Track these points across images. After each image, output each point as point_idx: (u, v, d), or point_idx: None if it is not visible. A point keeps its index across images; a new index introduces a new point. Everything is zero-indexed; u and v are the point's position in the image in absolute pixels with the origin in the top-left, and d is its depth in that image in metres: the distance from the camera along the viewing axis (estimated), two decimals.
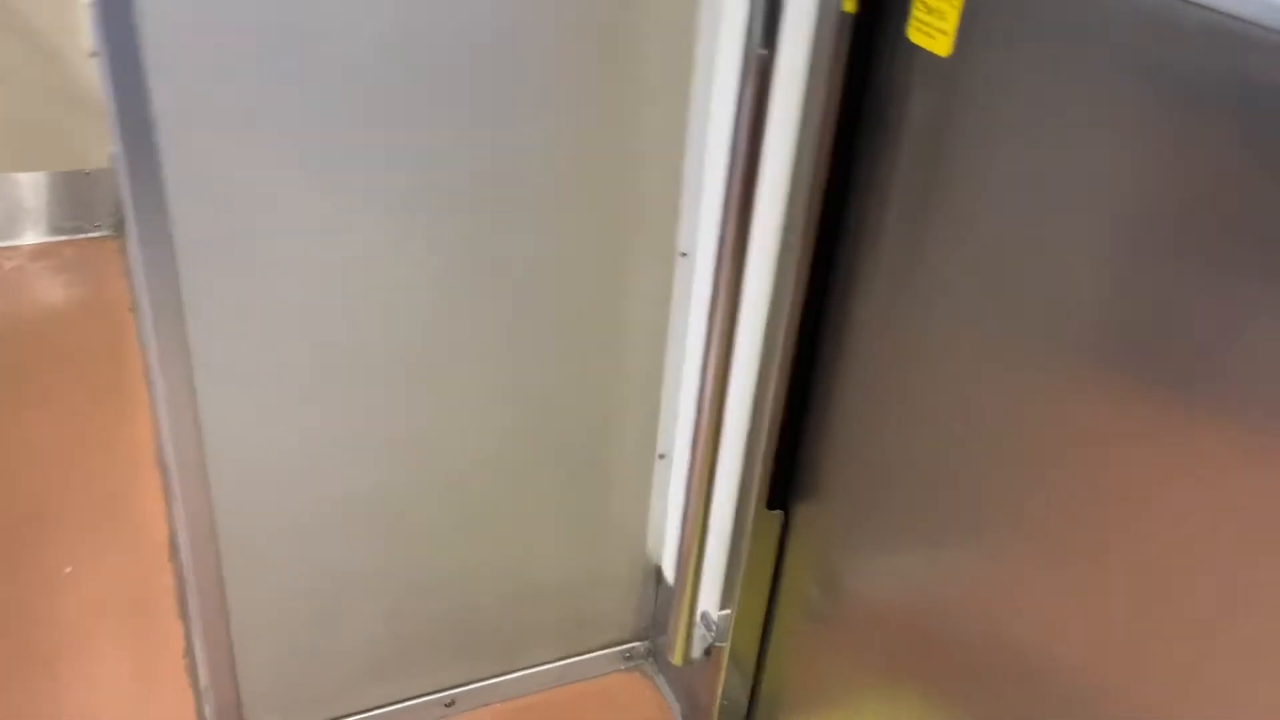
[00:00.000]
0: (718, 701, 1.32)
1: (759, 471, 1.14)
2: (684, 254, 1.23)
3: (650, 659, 1.52)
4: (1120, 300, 0.74)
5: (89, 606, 1.56)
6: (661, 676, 1.51)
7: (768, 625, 1.26)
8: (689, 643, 1.30)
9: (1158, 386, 0.72)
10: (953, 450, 0.92)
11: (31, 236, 2.38)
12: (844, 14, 0.89)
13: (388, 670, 1.36)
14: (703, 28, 1.09)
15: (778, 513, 1.17)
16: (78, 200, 2.38)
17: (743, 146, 0.98)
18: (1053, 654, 0.84)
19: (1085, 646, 0.81)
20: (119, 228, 2.40)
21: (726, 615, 1.27)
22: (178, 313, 1.03)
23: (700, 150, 1.15)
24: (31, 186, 2.35)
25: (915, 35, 0.86)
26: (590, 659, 1.49)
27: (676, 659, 1.31)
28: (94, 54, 0.90)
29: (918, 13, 0.85)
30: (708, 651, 1.31)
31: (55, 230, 2.39)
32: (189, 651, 1.48)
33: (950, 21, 0.82)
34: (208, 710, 1.30)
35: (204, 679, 1.29)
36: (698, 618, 1.29)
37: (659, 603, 1.47)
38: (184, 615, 1.54)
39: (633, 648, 1.51)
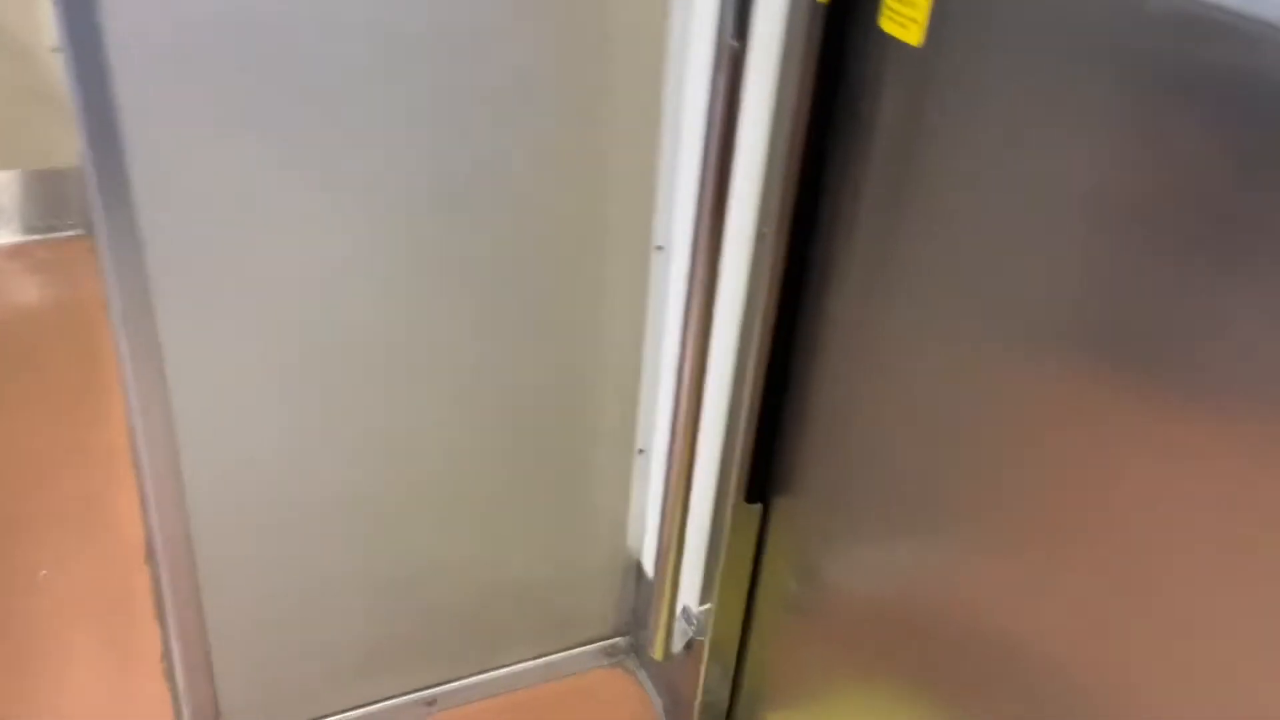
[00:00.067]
0: (699, 695, 1.32)
1: (737, 465, 1.14)
2: (660, 248, 1.22)
3: (631, 654, 1.52)
4: (1092, 292, 0.74)
5: (64, 610, 1.55)
6: (643, 671, 1.50)
7: (748, 619, 1.26)
8: (670, 637, 1.30)
9: (1130, 377, 0.72)
10: (929, 443, 0.91)
11: (4, 236, 2.36)
12: (816, 4, 0.89)
13: (367, 670, 1.35)
14: (675, 19, 1.09)
15: (757, 506, 1.17)
16: (51, 199, 2.36)
17: (715, 139, 0.97)
18: (1029, 643, 0.84)
19: (1060, 635, 0.81)
20: (93, 227, 2.37)
21: (707, 609, 1.26)
22: (147, 313, 1.02)
23: (675, 144, 1.15)
24: (4, 186, 2.32)
25: (887, 24, 0.86)
26: (571, 655, 1.49)
27: (657, 654, 1.31)
28: (57, 50, 0.89)
29: (889, 1, 0.85)
30: (689, 646, 1.31)
31: (29, 230, 2.37)
32: (166, 654, 1.47)
33: (921, 10, 0.82)
34: (185, 713, 1.29)
35: (181, 682, 1.28)
36: (678, 612, 1.29)
37: (639, 598, 1.47)
38: (161, 618, 1.52)
39: (614, 643, 1.51)
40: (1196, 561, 0.69)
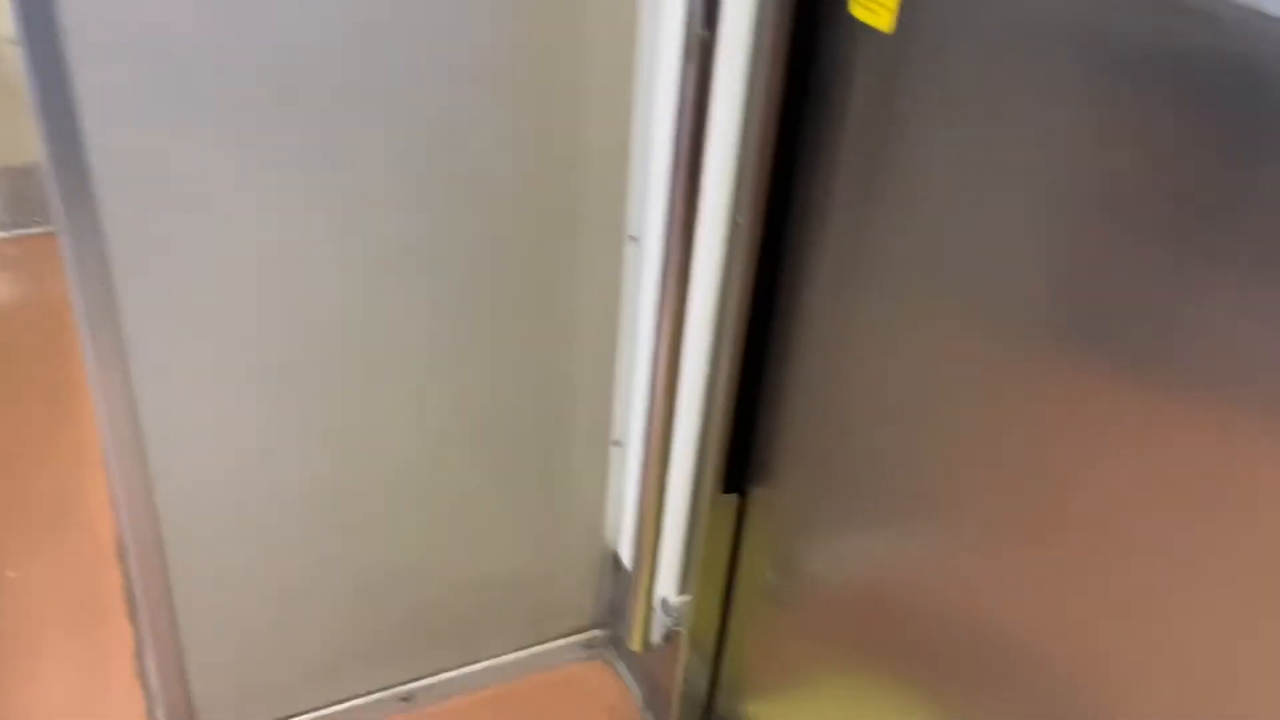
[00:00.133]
0: (678, 687, 1.32)
1: (713, 456, 1.13)
2: (634, 238, 1.21)
3: (610, 646, 1.52)
4: (1067, 279, 0.73)
5: (35, 610, 1.53)
6: (622, 663, 1.50)
7: (726, 609, 1.26)
8: (648, 629, 1.30)
9: (1105, 364, 0.72)
10: (906, 432, 0.91)
11: None
12: None
13: (343, 666, 1.34)
14: (645, 9, 1.08)
15: (733, 496, 1.17)
16: (18, 196, 2.33)
17: (687, 129, 0.97)
18: (1007, 632, 0.84)
19: (1037, 624, 0.81)
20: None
21: (685, 600, 1.26)
22: (111, 310, 1.01)
23: (647, 133, 1.14)
24: None
25: (858, 10, 0.85)
26: (550, 649, 1.48)
27: (636, 645, 1.31)
28: (14, 42, 0.87)
29: None
30: (667, 637, 1.31)
31: None
32: (139, 653, 1.45)
33: None
34: (159, 712, 1.28)
35: (154, 681, 1.26)
36: (656, 603, 1.29)
37: (617, 590, 1.46)
38: (133, 616, 1.51)
39: (593, 636, 1.50)
40: (1173, 549, 0.69)
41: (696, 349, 1.11)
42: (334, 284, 1.10)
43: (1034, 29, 0.72)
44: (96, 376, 1.04)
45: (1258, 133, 0.59)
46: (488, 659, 1.44)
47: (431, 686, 1.41)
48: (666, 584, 1.28)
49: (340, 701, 1.37)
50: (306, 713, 1.35)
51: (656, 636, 1.31)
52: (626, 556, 1.42)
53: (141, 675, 1.43)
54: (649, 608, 1.28)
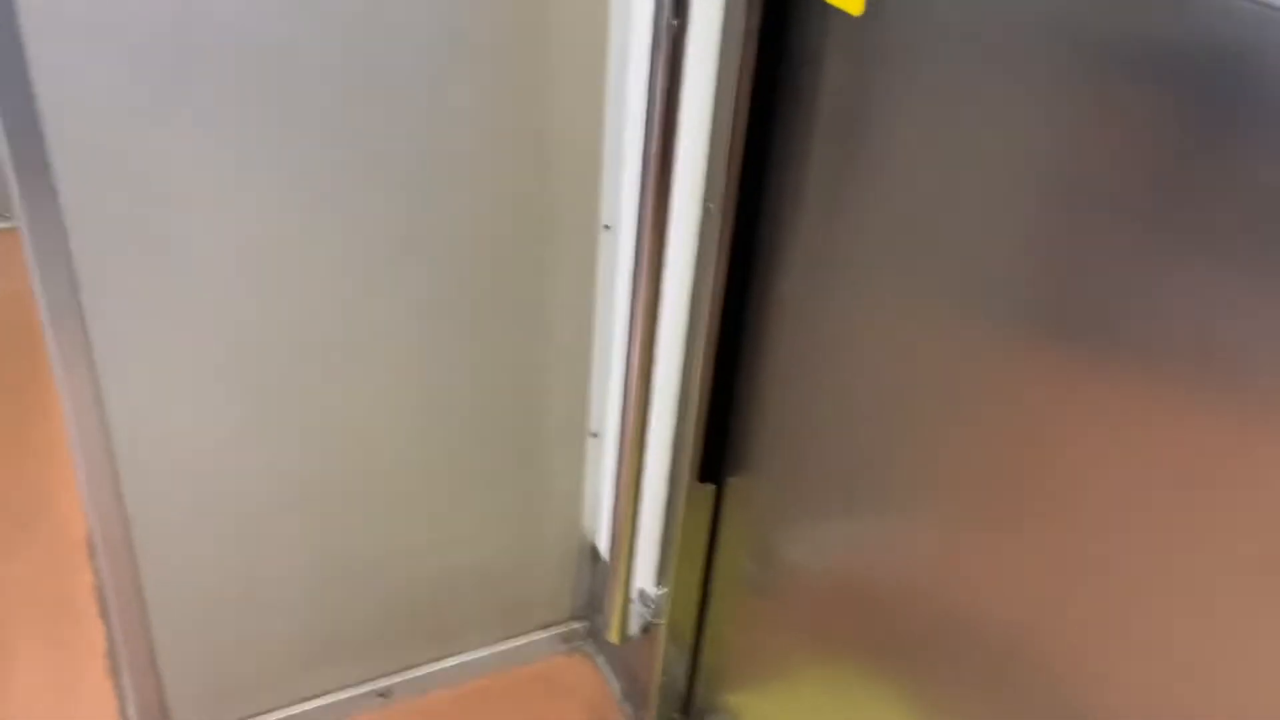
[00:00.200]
0: (657, 678, 1.31)
1: (690, 445, 1.13)
2: (607, 227, 1.20)
3: (589, 638, 1.51)
4: (1041, 265, 0.73)
5: (6, 610, 1.51)
6: (601, 655, 1.50)
7: (705, 600, 1.26)
8: (626, 620, 1.29)
9: (1079, 350, 0.71)
10: (882, 420, 0.91)
11: None
12: None
13: (318, 662, 1.33)
14: None
15: (710, 486, 1.16)
16: None
17: (658, 117, 0.96)
18: (985, 618, 0.84)
19: (1015, 609, 0.81)
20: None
21: (663, 592, 1.26)
22: (75, 304, 0.99)
23: (619, 122, 1.13)
24: None
25: None
26: (528, 642, 1.47)
27: (614, 637, 1.30)
28: None
29: None
30: (646, 629, 1.30)
31: None
32: (112, 651, 1.44)
33: None
34: (131, 710, 1.26)
35: (126, 678, 1.25)
36: (634, 595, 1.28)
37: (595, 582, 1.45)
38: (105, 614, 1.49)
39: (571, 628, 1.50)
40: (1148, 532, 0.69)
41: (672, 339, 1.11)
42: (305, 275, 1.09)
43: (1006, 10, 0.71)
44: (62, 373, 1.03)
45: (1231, 117, 0.59)
46: (465, 653, 1.43)
47: (409, 681, 1.40)
48: (644, 575, 1.28)
49: (316, 697, 1.36)
50: (282, 708, 1.34)
51: (634, 628, 1.30)
52: (604, 548, 1.41)
53: (114, 674, 1.42)
54: (627, 599, 1.28)
